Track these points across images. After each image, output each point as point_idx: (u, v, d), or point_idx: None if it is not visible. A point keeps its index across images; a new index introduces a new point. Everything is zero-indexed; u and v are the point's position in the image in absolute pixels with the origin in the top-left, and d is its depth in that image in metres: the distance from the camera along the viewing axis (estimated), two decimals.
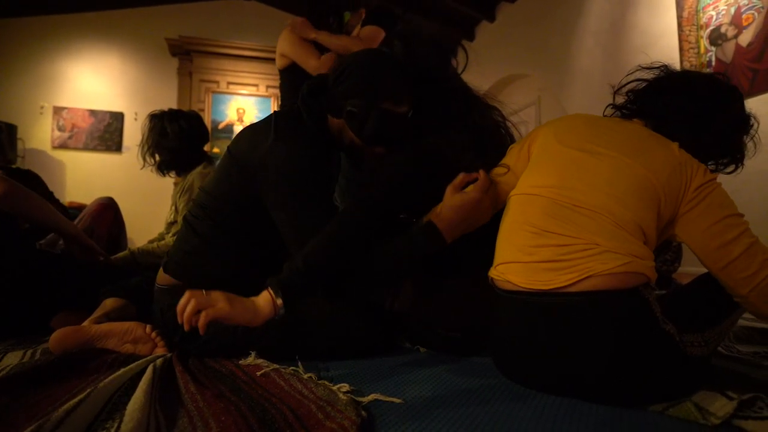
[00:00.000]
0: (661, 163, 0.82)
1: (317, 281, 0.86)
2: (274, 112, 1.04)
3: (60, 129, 5.03)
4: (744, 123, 0.95)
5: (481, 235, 0.98)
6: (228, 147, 1.06)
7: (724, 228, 0.79)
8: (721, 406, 0.67)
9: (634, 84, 1.00)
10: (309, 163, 0.96)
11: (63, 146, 5.03)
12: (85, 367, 0.90)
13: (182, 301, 0.71)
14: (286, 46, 1.87)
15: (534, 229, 0.82)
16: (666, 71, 0.98)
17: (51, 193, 2.00)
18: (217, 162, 1.23)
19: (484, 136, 1.06)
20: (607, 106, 1.04)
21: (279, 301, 0.79)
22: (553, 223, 0.81)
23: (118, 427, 0.61)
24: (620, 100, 1.02)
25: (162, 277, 1.07)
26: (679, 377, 0.76)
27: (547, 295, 0.78)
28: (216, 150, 5.15)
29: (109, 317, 1.16)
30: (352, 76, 0.99)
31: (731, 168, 0.98)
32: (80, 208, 2.05)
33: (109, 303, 1.21)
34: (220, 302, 0.74)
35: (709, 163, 0.96)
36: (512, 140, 1.14)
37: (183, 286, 1.02)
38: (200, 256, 1.02)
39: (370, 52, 1.07)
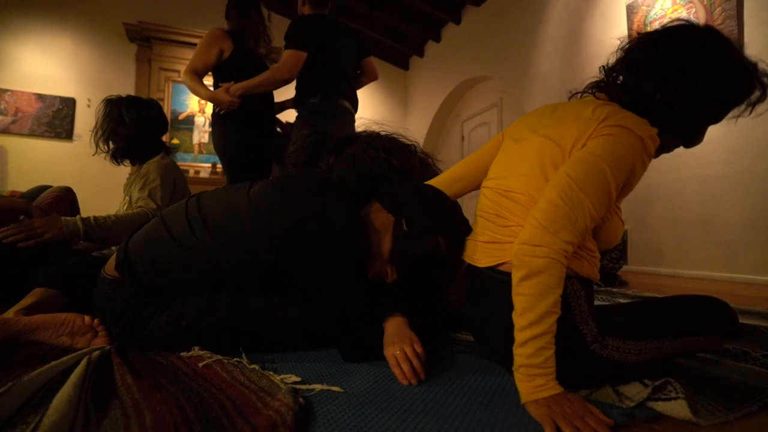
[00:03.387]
0: (568, 130, 0.80)
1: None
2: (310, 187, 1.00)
3: (1, 113, 4.70)
4: (709, 73, 0.72)
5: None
6: (259, 201, 0.99)
7: (570, 160, 0.76)
8: (637, 392, 0.73)
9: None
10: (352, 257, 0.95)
11: (5, 131, 4.70)
12: (11, 359, 0.85)
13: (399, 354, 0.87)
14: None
15: (483, 213, 0.95)
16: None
17: None
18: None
19: None
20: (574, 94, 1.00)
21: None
22: (491, 208, 0.91)
23: (40, 420, 0.58)
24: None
25: (111, 269, 1.04)
26: (590, 373, 0.76)
27: (483, 269, 0.88)
28: (175, 141, 4.97)
29: (38, 308, 1.08)
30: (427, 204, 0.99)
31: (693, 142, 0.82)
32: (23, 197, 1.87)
33: (37, 293, 1.13)
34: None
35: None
36: None
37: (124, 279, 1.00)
38: (180, 264, 0.99)
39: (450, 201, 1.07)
